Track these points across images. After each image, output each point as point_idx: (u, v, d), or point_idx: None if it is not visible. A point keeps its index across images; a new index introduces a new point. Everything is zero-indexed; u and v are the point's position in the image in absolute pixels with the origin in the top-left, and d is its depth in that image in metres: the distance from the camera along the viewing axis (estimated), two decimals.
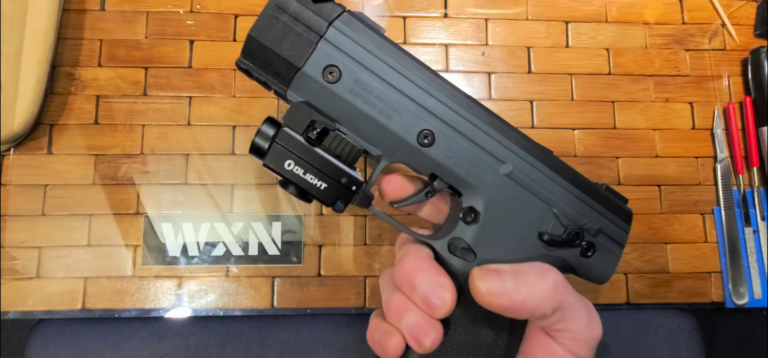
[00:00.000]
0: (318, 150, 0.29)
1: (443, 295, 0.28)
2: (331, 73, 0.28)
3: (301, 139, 0.29)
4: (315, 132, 0.29)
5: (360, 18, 0.30)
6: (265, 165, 0.29)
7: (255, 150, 0.29)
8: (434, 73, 0.30)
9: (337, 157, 0.29)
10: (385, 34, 0.30)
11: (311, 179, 0.29)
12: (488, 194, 0.30)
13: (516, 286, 0.27)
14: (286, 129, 0.29)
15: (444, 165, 0.30)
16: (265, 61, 0.29)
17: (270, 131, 0.29)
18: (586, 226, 0.31)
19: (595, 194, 0.32)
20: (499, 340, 0.30)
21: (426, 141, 0.29)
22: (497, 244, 0.30)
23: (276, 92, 0.30)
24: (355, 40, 0.29)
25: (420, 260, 0.29)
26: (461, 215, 0.31)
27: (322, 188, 0.29)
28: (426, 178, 0.32)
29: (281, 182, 0.29)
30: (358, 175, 0.30)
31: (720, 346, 0.57)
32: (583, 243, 0.31)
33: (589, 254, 0.32)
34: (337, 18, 0.29)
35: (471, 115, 0.30)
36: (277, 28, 0.28)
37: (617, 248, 0.33)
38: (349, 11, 0.29)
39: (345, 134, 0.29)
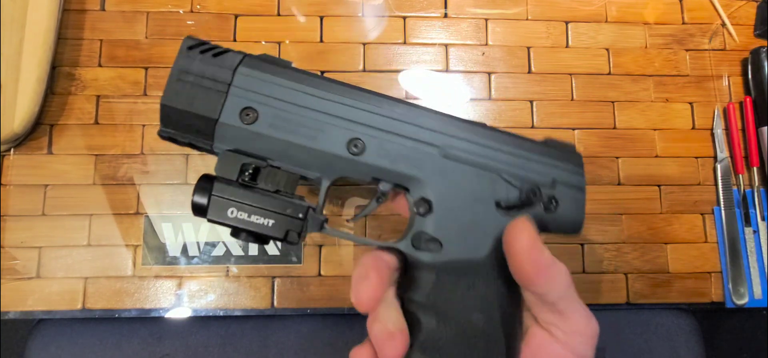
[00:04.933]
0: (255, 190, 0.30)
1: (392, 348, 0.28)
2: (247, 115, 0.29)
3: (237, 184, 0.29)
4: (248, 174, 0.30)
5: (263, 58, 0.31)
6: (209, 220, 0.29)
7: (196, 208, 0.29)
8: (352, 86, 0.31)
9: (276, 190, 0.30)
10: (292, 65, 0.31)
11: (257, 219, 0.29)
12: (433, 181, 0.31)
13: (547, 254, 0.28)
14: (220, 180, 0.29)
15: (382, 166, 0.30)
16: (184, 123, 0.30)
17: (206, 186, 0.29)
18: (539, 181, 0.31)
19: (539, 148, 0.32)
20: (493, 320, 0.29)
21: (356, 149, 0.30)
22: (458, 225, 0.30)
23: (203, 149, 0.31)
24: (262, 79, 0.30)
25: (374, 300, 0.29)
26: (415, 209, 0.31)
27: (269, 225, 0.29)
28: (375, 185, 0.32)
29: (232, 232, 0.30)
30: (302, 202, 0.30)
31: (720, 346, 0.57)
32: (544, 198, 0.31)
33: (553, 206, 0.32)
34: (239, 64, 0.30)
35: (394, 111, 0.31)
36: (186, 90, 0.29)
37: (579, 192, 0.32)
38: (250, 55, 0.31)
39: (278, 167, 0.30)
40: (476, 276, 0.30)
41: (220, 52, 0.30)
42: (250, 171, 0.30)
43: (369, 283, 0.29)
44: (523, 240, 0.28)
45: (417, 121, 0.31)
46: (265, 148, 0.30)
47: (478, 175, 0.31)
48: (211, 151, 0.31)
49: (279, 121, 0.30)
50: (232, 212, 0.29)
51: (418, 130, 0.31)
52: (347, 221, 0.34)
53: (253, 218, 0.29)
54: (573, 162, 0.33)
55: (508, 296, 0.30)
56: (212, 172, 0.30)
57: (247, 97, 0.30)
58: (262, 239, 0.30)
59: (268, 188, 0.30)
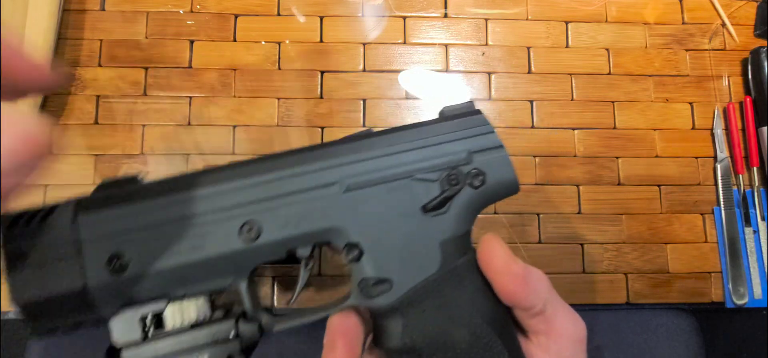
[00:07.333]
0: (170, 334, 0.26)
1: None
2: (116, 264, 0.25)
3: (146, 341, 0.25)
4: (153, 324, 0.26)
5: (100, 192, 0.27)
6: None
7: None
8: (214, 168, 0.27)
9: (193, 324, 0.26)
10: (138, 178, 0.27)
11: None
12: (348, 222, 0.27)
13: (522, 263, 0.27)
14: (127, 346, 0.25)
15: (289, 236, 0.27)
16: (53, 311, 0.25)
17: None
18: (453, 161, 0.28)
19: (438, 127, 0.29)
20: (476, 325, 0.27)
21: (252, 234, 0.26)
22: (397, 253, 0.27)
23: (94, 324, 0.26)
24: (109, 216, 0.25)
25: None
26: (347, 258, 0.28)
27: None
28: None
29: None
30: (227, 320, 0.27)
31: (720, 346, 0.56)
32: (468, 177, 0.28)
33: (480, 180, 0.28)
34: (76, 215, 0.25)
35: (274, 173, 0.27)
36: (32, 276, 0.24)
37: (498, 150, 0.29)
38: (81, 199, 0.26)
39: (182, 298, 0.26)
40: (440, 292, 0.27)
41: (46, 214, 0.25)
42: (154, 320, 0.26)
43: (335, 354, 0.28)
44: (500, 256, 0.27)
45: (300, 169, 0.27)
46: (154, 288, 0.26)
47: (391, 190, 0.28)
48: (104, 322, 0.26)
49: (153, 251, 0.25)
50: None
51: (306, 178, 0.27)
52: (289, 304, 0.31)
53: None
54: (477, 123, 0.29)
55: (482, 292, 0.28)
56: (114, 343, 0.26)
57: (104, 246, 0.25)
58: None
59: (183, 326, 0.26)
